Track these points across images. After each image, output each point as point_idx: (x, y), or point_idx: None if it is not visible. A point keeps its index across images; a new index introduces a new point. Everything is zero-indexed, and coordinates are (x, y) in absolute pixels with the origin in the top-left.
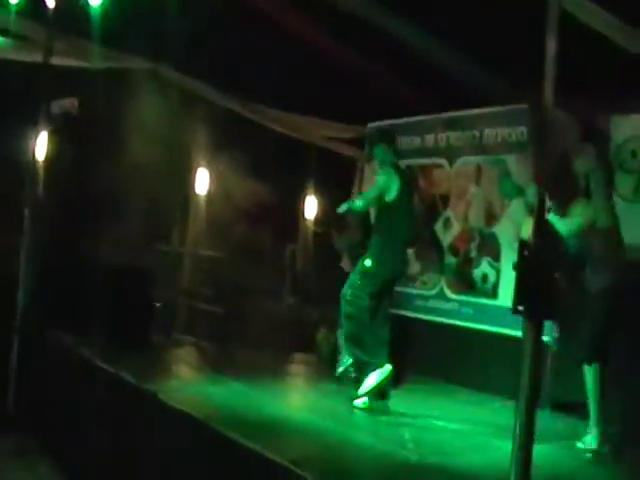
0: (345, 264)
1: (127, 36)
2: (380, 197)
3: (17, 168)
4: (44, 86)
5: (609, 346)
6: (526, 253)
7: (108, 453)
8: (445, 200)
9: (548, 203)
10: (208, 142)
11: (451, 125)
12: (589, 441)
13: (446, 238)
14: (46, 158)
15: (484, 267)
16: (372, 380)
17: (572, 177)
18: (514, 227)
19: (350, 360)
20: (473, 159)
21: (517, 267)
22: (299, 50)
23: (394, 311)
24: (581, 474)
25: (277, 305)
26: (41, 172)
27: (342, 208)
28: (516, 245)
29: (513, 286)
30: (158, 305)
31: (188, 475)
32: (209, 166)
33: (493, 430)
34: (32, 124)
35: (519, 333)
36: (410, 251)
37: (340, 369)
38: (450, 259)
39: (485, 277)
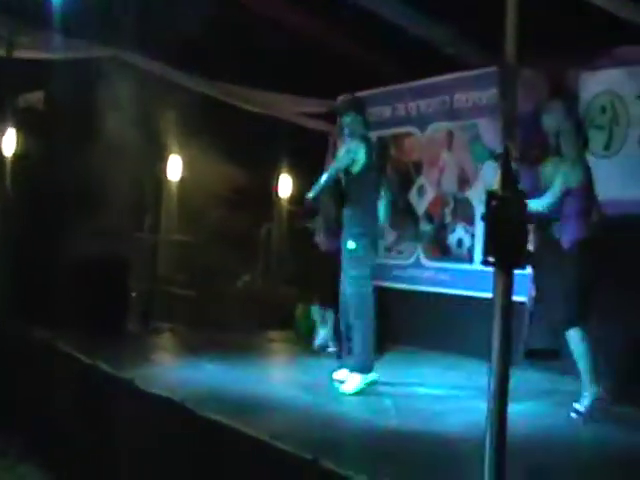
0: (320, 240)
1: (90, 25)
2: (347, 169)
3: None
4: (8, 81)
5: (587, 306)
6: (494, 203)
7: (90, 445)
8: (418, 167)
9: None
10: (179, 127)
11: (421, 92)
12: (582, 402)
13: (421, 205)
14: (14, 153)
15: (459, 232)
16: (357, 382)
17: (542, 135)
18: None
19: (327, 333)
20: (444, 125)
21: (485, 218)
22: (266, 26)
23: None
24: (559, 431)
25: (253, 284)
26: (9, 167)
27: (311, 194)
28: None
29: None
30: (134, 294)
31: (168, 459)
32: (181, 151)
33: (473, 392)
34: None
35: None
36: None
37: (317, 342)
38: (425, 226)
39: (460, 242)
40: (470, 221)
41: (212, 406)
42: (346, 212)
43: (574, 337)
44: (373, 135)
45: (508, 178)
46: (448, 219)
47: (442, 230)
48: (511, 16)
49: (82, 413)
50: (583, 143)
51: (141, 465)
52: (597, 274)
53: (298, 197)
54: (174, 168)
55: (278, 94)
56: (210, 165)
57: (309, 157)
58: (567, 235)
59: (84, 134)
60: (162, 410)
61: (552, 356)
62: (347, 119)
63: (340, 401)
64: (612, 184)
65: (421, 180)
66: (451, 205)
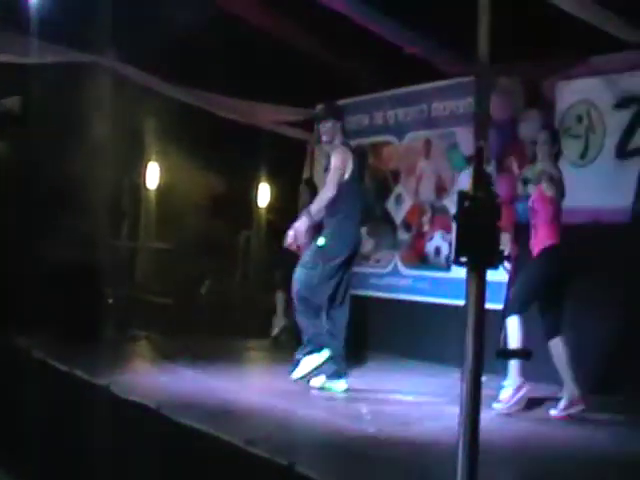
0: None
1: (69, 30)
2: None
3: None
4: None
5: (531, 300)
6: (466, 204)
7: (64, 451)
8: (396, 176)
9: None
10: (158, 134)
11: (399, 101)
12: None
13: (398, 214)
14: None
15: (437, 240)
16: (313, 362)
17: (519, 143)
18: None
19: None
20: (422, 133)
21: (457, 218)
22: (245, 35)
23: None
24: (534, 436)
25: (231, 292)
26: None
27: (314, 212)
28: None
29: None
30: (111, 300)
31: (144, 465)
32: (159, 158)
33: (450, 399)
34: None
35: None
36: (363, 230)
37: (275, 331)
38: (403, 235)
39: (438, 250)
40: (448, 229)
41: (187, 412)
42: (328, 220)
43: (512, 323)
44: (351, 144)
45: (480, 179)
46: (426, 227)
47: (420, 238)
48: (483, 18)
49: (57, 419)
50: (556, 152)
51: (116, 471)
52: (562, 280)
53: (276, 205)
54: (153, 175)
55: (256, 102)
56: (189, 173)
57: (287, 166)
58: (537, 243)
59: (61, 140)
60: (138, 416)
61: (524, 356)
62: (327, 125)
63: (316, 407)
64: (587, 193)
65: (399, 189)
66: (429, 213)
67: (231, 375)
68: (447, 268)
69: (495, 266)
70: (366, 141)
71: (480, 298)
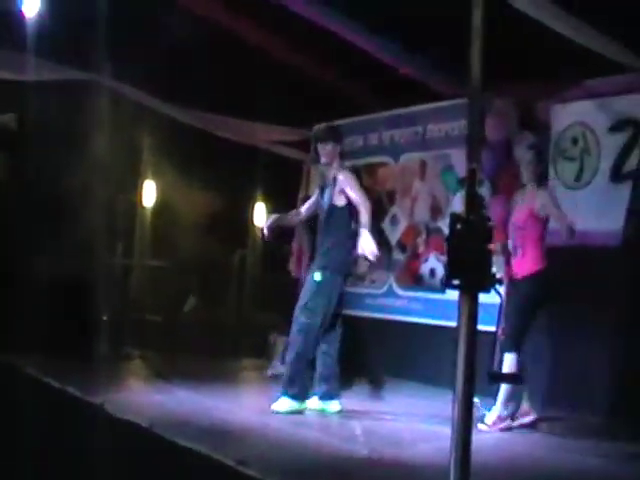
0: (293, 267)
1: (66, 47)
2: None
3: None
4: None
5: (526, 333)
6: (459, 226)
7: (57, 469)
8: (391, 197)
9: None
10: (154, 152)
11: (394, 122)
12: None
13: (393, 235)
14: None
15: (432, 262)
16: (286, 405)
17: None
18: None
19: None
20: (417, 155)
21: (449, 241)
22: (242, 55)
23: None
24: (525, 456)
25: (227, 311)
26: None
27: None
28: None
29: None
30: (105, 318)
31: None
32: (156, 177)
33: (443, 420)
34: None
35: None
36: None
37: (270, 371)
38: (398, 255)
39: (433, 271)
40: (443, 251)
41: (180, 431)
42: (320, 242)
43: (509, 358)
44: (346, 164)
45: (473, 201)
46: (421, 248)
47: (415, 259)
48: (475, 41)
49: (50, 438)
50: (540, 173)
51: None
52: (548, 301)
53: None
54: (149, 193)
55: (252, 122)
56: (185, 191)
57: (283, 185)
58: (522, 266)
59: (57, 156)
60: (131, 435)
61: (515, 380)
62: (327, 147)
63: (309, 428)
64: (582, 215)
65: (394, 209)
66: (424, 234)
67: (225, 394)
68: (442, 290)
69: (487, 289)
70: (361, 162)
71: (472, 320)
